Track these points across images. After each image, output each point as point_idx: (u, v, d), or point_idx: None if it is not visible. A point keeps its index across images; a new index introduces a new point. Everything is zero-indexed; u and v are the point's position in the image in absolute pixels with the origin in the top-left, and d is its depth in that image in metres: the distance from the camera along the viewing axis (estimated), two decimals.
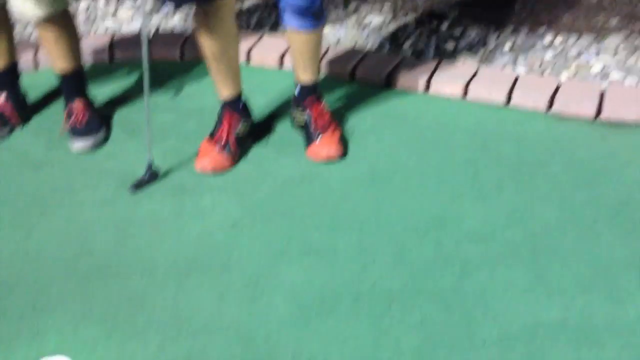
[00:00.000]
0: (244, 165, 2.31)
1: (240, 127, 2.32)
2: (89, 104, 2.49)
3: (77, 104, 2.45)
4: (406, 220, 2.06)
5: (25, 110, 2.57)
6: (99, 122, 2.48)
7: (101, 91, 2.67)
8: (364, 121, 2.46)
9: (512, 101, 2.50)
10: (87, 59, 2.81)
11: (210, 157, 2.26)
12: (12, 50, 2.49)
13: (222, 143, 2.27)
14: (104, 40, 2.92)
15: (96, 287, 1.90)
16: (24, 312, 1.84)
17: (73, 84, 2.48)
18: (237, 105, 2.33)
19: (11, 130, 2.50)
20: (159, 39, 2.94)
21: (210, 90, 2.38)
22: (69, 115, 2.45)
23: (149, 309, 1.84)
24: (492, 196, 2.12)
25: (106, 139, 2.47)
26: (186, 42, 2.87)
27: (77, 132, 2.42)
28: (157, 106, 2.49)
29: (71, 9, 2.37)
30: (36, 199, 2.21)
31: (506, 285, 1.85)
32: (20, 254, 2.02)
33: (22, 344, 1.75)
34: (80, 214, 2.14)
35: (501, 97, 2.50)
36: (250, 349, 1.72)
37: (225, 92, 2.31)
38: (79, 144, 2.41)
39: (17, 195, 2.23)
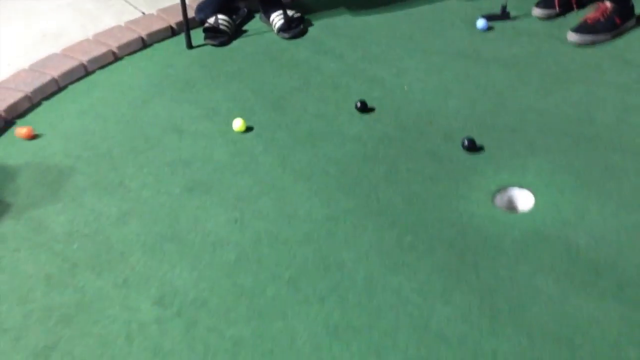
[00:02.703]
0: None
1: None
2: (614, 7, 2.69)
3: (604, 5, 2.69)
4: None
5: None
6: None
7: None
8: None
9: None
10: None
11: None
12: None
13: None
14: None
15: (583, 150, 2.13)
16: (520, 151, 2.18)
17: None
18: None
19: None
20: None
21: None
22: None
23: (619, 180, 1.99)
24: None
25: None
26: None
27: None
28: None
29: None
30: (566, 71, 2.52)
31: None
32: (539, 104, 2.37)
33: (505, 169, 2.11)
34: (596, 90, 2.37)
35: None
36: None
37: None
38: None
39: (552, 65, 2.57)
